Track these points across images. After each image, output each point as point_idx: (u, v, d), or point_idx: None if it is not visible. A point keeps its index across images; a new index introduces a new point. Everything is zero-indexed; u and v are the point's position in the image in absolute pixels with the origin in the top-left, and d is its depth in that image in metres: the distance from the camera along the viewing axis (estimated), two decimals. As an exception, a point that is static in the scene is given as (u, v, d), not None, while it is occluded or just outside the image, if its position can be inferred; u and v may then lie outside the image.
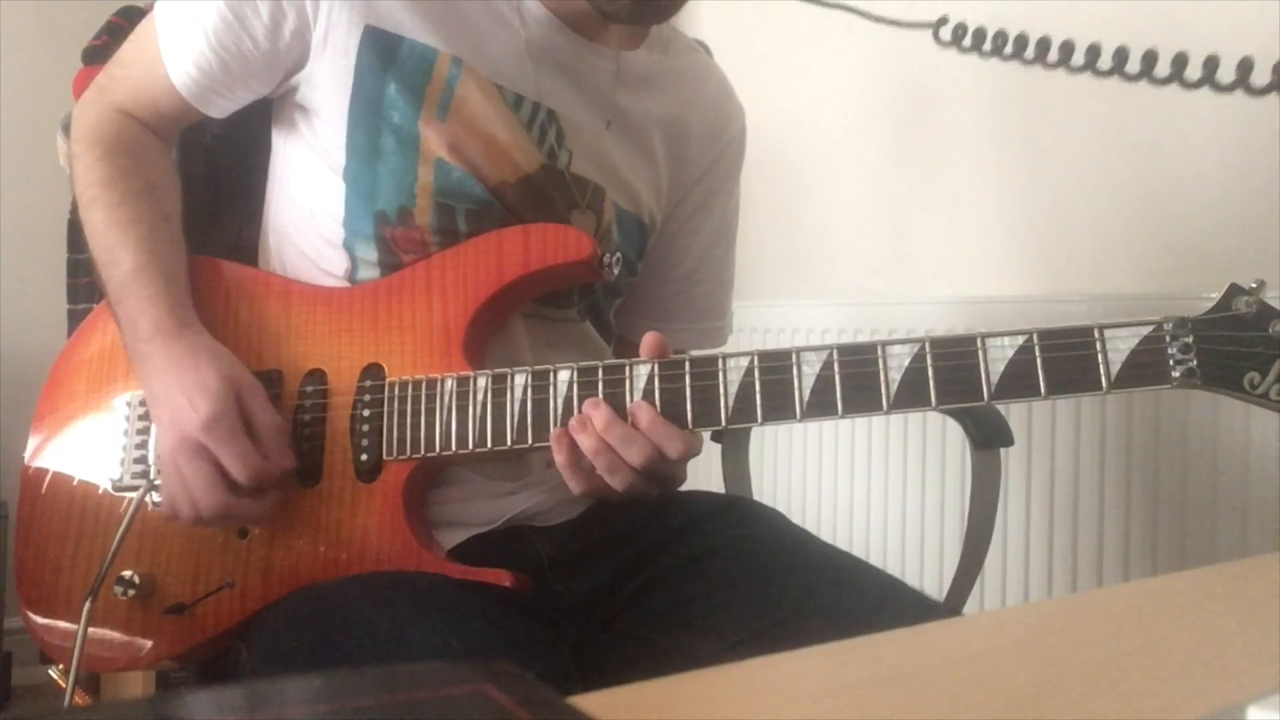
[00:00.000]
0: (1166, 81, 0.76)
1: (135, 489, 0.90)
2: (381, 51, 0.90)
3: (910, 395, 0.76)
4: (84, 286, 1.10)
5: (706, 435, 0.94)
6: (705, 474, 1.09)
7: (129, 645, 0.90)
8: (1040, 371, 0.74)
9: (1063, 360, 0.74)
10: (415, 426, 0.86)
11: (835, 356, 0.78)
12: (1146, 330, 0.74)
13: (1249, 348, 0.72)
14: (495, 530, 0.93)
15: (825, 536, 0.96)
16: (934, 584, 1.65)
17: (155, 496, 0.91)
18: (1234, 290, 0.74)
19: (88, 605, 0.86)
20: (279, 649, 0.83)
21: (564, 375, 0.83)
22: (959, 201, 1.80)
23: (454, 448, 0.85)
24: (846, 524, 1.85)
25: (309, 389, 0.90)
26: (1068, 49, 0.84)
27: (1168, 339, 0.73)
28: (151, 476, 0.91)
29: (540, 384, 0.84)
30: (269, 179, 1.03)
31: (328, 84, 0.92)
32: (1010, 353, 0.75)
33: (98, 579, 0.87)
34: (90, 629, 0.86)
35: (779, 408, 0.79)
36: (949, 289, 1.81)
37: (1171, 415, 1.41)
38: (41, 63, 2.33)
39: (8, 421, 2.06)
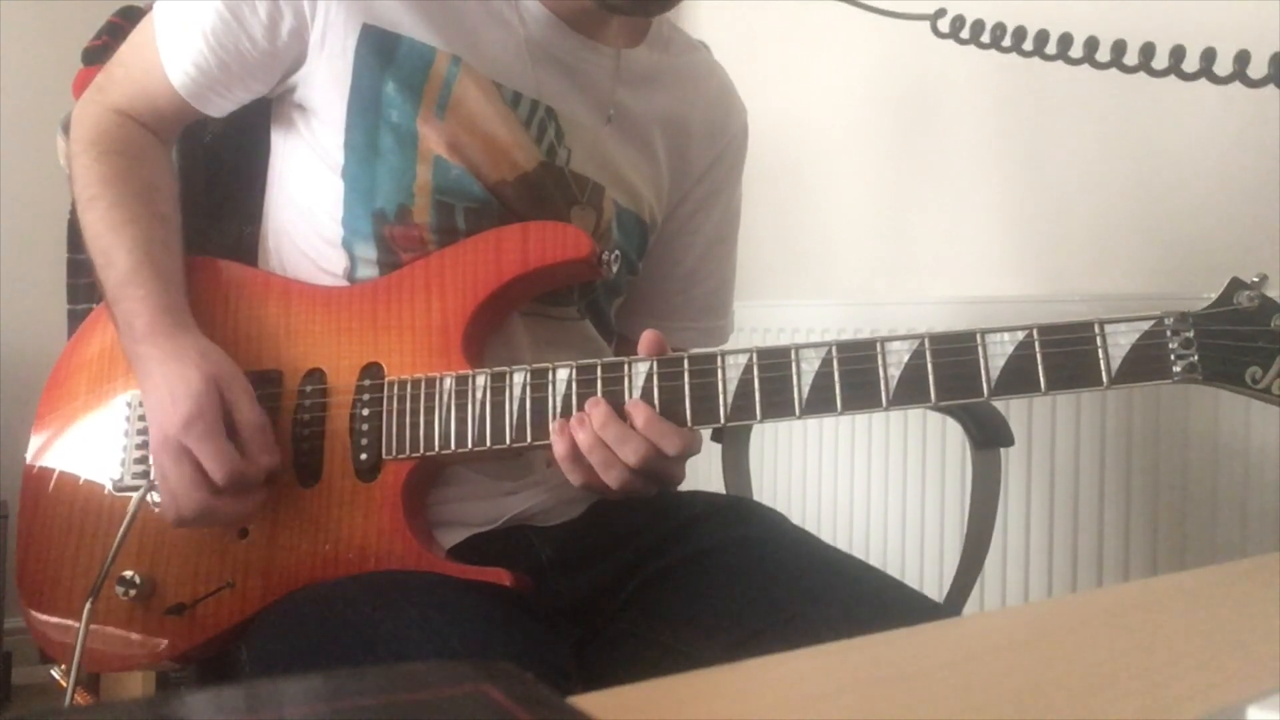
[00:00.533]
0: (1164, 73, 0.76)
1: (136, 489, 0.90)
2: (379, 50, 0.90)
3: (910, 391, 0.76)
4: (84, 287, 1.10)
5: (706, 435, 0.94)
6: (705, 474, 1.09)
7: (129, 645, 0.90)
8: (1040, 367, 0.74)
9: (1063, 356, 0.74)
10: (414, 425, 0.86)
11: (834, 353, 0.78)
12: (1147, 325, 0.74)
13: (1250, 342, 0.72)
14: (495, 530, 0.93)
15: (825, 536, 0.96)
16: (934, 584, 1.65)
17: (156, 497, 0.91)
18: (1235, 285, 0.74)
19: (88, 605, 0.86)
20: (279, 649, 0.83)
21: (563, 374, 0.83)
22: (959, 201, 1.80)
23: (453, 447, 0.85)
24: (846, 524, 1.85)
25: (308, 389, 0.90)
26: (1066, 41, 0.84)
27: (1168, 334, 0.73)
28: (152, 476, 0.91)
29: (539, 383, 0.84)
30: (268, 178, 1.03)
31: (326, 83, 0.92)
32: (1010, 348, 0.75)
33: (99, 579, 0.87)
34: (91, 629, 0.86)
35: (778, 405, 0.79)
36: (949, 289, 1.81)
37: (1172, 415, 1.41)
38: (41, 63, 2.33)
39: (8, 421, 2.06)
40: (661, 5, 0.93)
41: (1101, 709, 0.38)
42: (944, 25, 0.89)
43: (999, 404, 1.26)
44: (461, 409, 0.85)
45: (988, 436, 1.16)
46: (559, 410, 0.83)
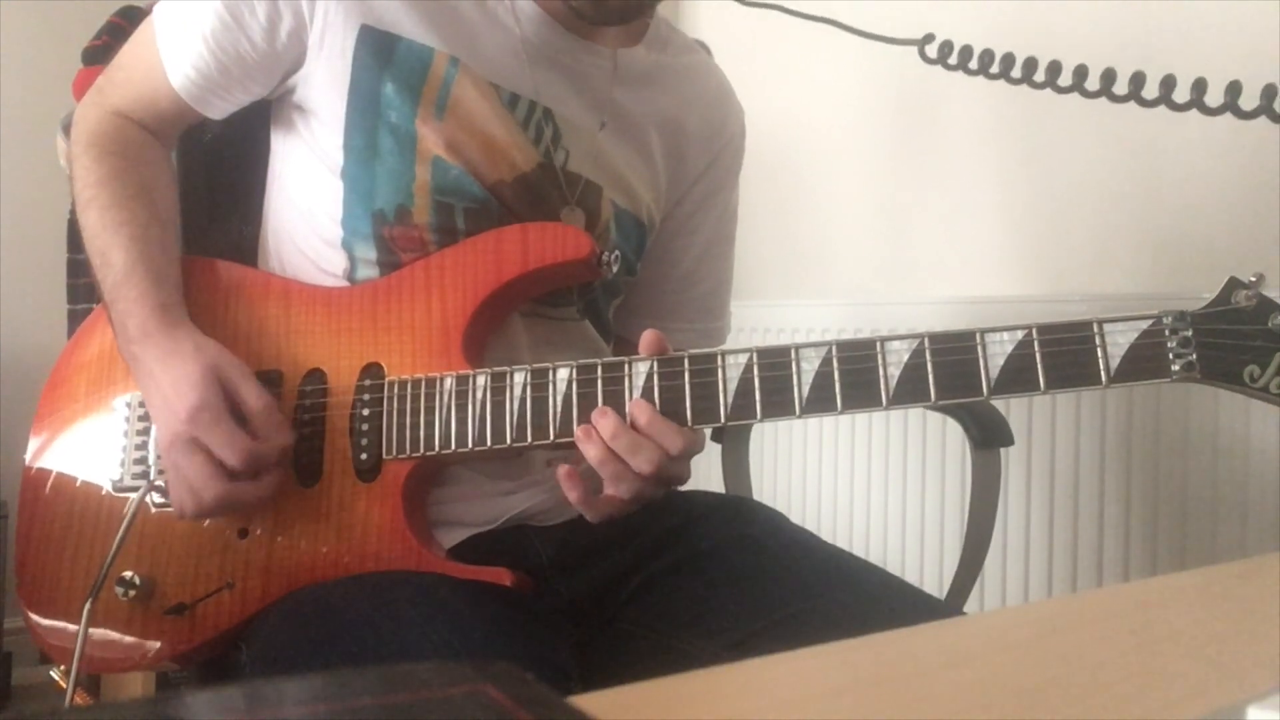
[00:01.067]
0: (1154, 104, 0.76)
1: (135, 489, 0.90)
2: (378, 51, 0.91)
3: (910, 391, 0.76)
4: (84, 287, 1.10)
5: (706, 434, 0.94)
6: (705, 474, 1.09)
7: (129, 646, 0.90)
8: (1039, 366, 0.74)
9: (1062, 355, 0.74)
10: (415, 425, 0.86)
11: (834, 352, 0.78)
12: (1146, 324, 0.74)
13: (1248, 341, 0.72)
14: (495, 529, 0.93)
15: (825, 536, 0.96)
16: (934, 584, 1.65)
17: (156, 497, 0.91)
18: (1233, 284, 0.74)
19: (88, 606, 0.86)
20: (279, 649, 0.83)
21: (563, 373, 0.83)
22: (959, 202, 1.80)
23: (453, 446, 0.85)
24: (846, 524, 1.85)
25: (308, 389, 0.90)
26: (1055, 69, 0.84)
27: (1167, 333, 0.73)
28: (152, 477, 0.91)
29: (539, 382, 0.84)
30: (268, 179, 1.03)
31: (325, 84, 0.92)
32: (1010, 348, 0.75)
33: (98, 580, 0.87)
34: (91, 629, 0.86)
35: (778, 404, 0.79)
36: (949, 289, 1.81)
37: (1172, 415, 1.41)
38: (41, 63, 2.33)
39: (8, 422, 2.06)
40: (623, 14, 0.93)
41: (1101, 709, 0.38)
42: (931, 51, 0.89)
43: (999, 404, 1.26)
44: (462, 409, 0.85)
45: (988, 436, 1.16)
46: (559, 410, 0.83)
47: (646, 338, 0.82)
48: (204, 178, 1.10)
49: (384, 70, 0.90)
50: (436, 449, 0.85)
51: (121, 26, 1.10)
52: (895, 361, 0.77)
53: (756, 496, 1.28)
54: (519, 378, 0.84)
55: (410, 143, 0.91)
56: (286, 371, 0.91)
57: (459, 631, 0.77)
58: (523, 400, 0.84)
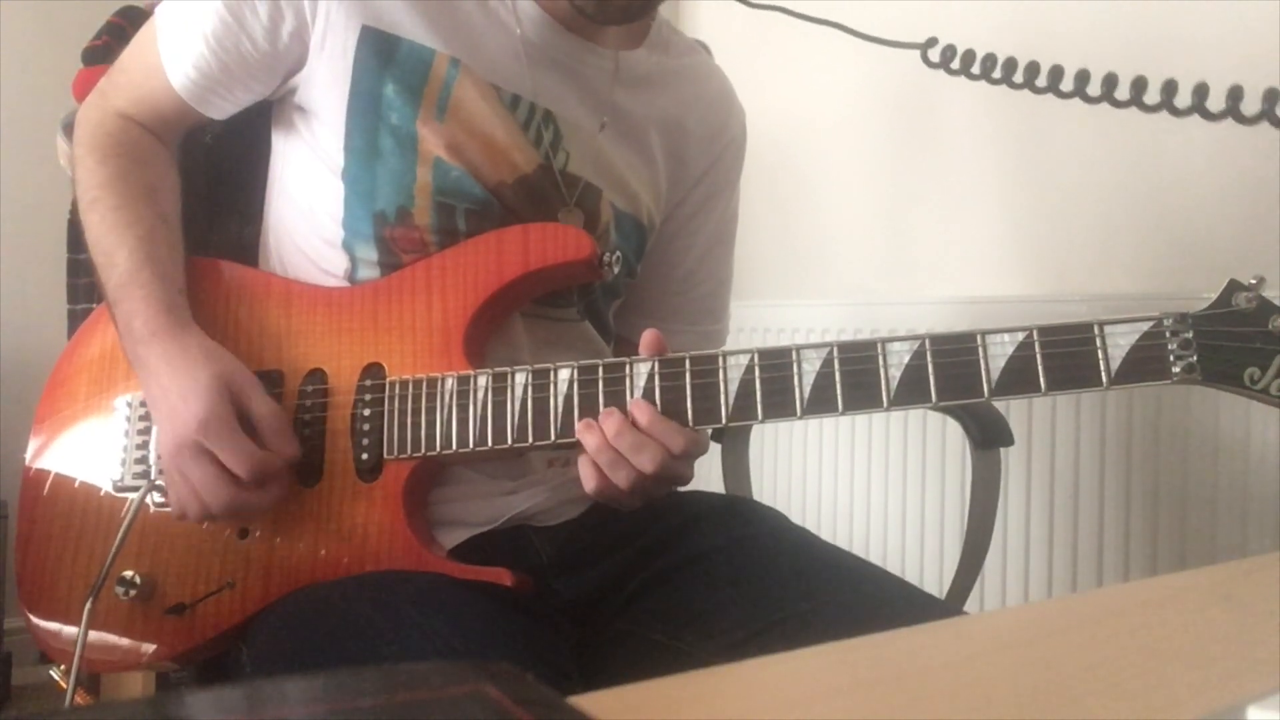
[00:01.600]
0: (1156, 109, 0.76)
1: (136, 489, 0.90)
2: (379, 52, 0.91)
3: (910, 392, 0.76)
4: (84, 287, 1.10)
5: (707, 432, 0.94)
6: (705, 474, 1.09)
7: (130, 646, 0.90)
8: (1040, 368, 0.74)
9: (1063, 356, 0.74)
10: (416, 426, 0.86)
11: (835, 354, 0.78)
12: (1146, 326, 0.74)
13: (1249, 343, 0.72)
14: (495, 530, 0.93)
15: (825, 536, 0.96)
16: (934, 584, 1.65)
17: (156, 497, 0.91)
18: (1234, 286, 0.74)
19: (88, 605, 0.86)
20: (279, 649, 0.83)
21: (564, 374, 0.83)
22: (959, 202, 1.80)
23: (454, 447, 0.85)
24: (846, 524, 1.85)
25: (309, 389, 0.90)
26: (1057, 74, 0.84)
27: (1168, 335, 0.73)
28: (152, 477, 0.91)
29: (540, 383, 0.84)
30: (269, 179, 1.03)
31: (326, 85, 0.92)
32: (1010, 349, 0.75)
33: (98, 579, 0.87)
34: (91, 629, 0.86)
35: (779, 405, 0.79)
36: (949, 289, 1.81)
37: (1172, 415, 1.41)
38: (41, 63, 2.33)
39: (8, 422, 2.06)
40: (627, 14, 0.93)
41: (1101, 709, 0.38)
42: (934, 55, 0.89)
43: (999, 404, 1.26)
44: (463, 409, 0.85)
45: (988, 436, 1.16)
46: (560, 410, 0.83)
47: (646, 338, 0.83)
48: (204, 178, 1.10)
49: (385, 71, 0.91)
50: (437, 449, 0.85)
51: (121, 27, 1.10)
52: (896, 363, 0.77)
53: (756, 496, 1.28)
54: (520, 378, 0.84)
55: (411, 144, 0.91)
56: (287, 371, 0.91)
57: (459, 631, 0.77)
58: (524, 401, 0.84)
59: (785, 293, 2.07)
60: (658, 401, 0.80)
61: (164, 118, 0.99)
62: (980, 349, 0.76)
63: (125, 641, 0.90)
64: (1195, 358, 0.73)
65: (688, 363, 0.81)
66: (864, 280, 1.97)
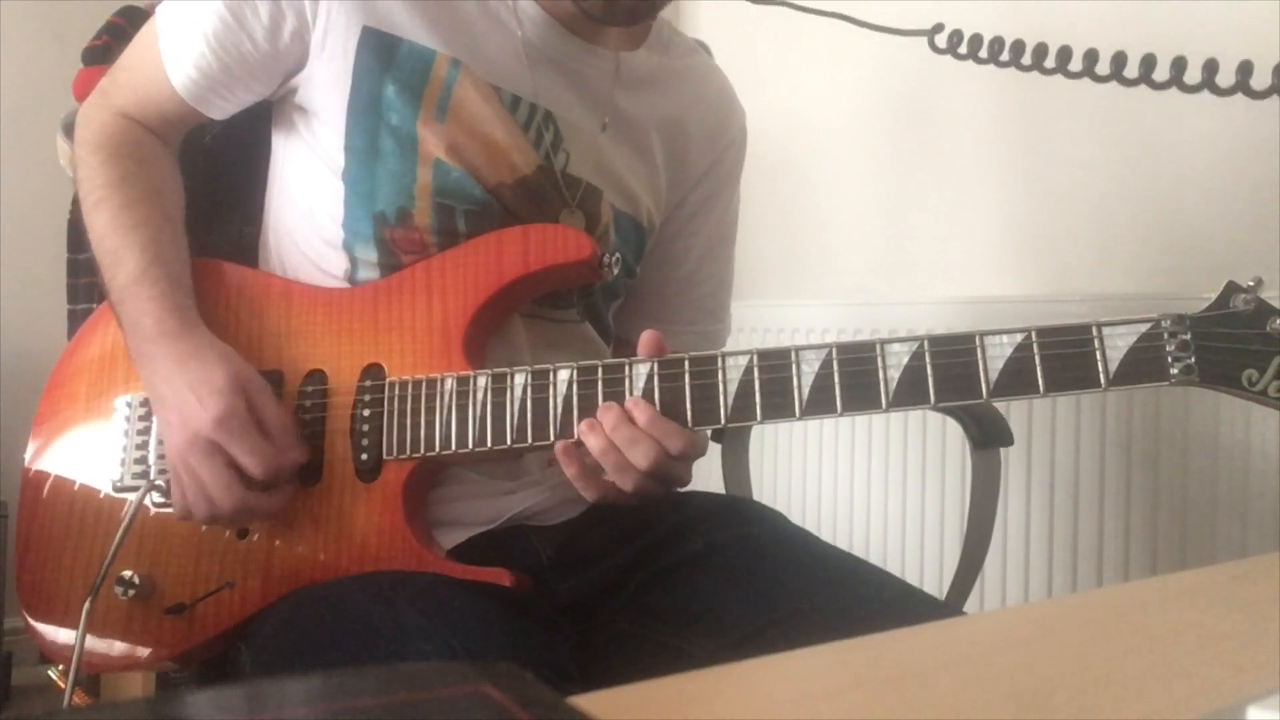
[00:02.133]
0: (1165, 85, 0.76)
1: (135, 489, 0.90)
2: (380, 52, 0.91)
3: (909, 393, 0.76)
4: (84, 287, 1.10)
5: (708, 434, 0.94)
6: (705, 474, 1.09)
7: (129, 645, 0.90)
8: (1039, 369, 0.75)
9: (1061, 358, 0.74)
10: (415, 426, 0.86)
11: (834, 355, 0.78)
12: (1145, 328, 0.74)
13: (1247, 345, 0.73)
14: (495, 530, 0.93)
15: (825, 536, 0.96)
16: (934, 584, 1.65)
17: (155, 497, 0.91)
18: (1232, 288, 0.74)
19: (88, 605, 0.86)
20: (279, 649, 0.83)
21: (563, 375, 0.83)
22: (959, 201, 1.80)
23: (454, 447, 0.85)
24: (846, 524, 1.85)
25: (309, 389, 0.90)
26: (1065, 54, 0.84)
27: (1166, 336, 0.73)
28: (152, 477, 0.91)
29: (540, 384, 0.84)
30: (269, 180, 1.03)
31: (326, 85, 0.92)
32: (1009, 350, 0.75)
33: (98, 579, 0.87)
34: (90, 630, 0.86)
35: (778, 406, 0.79)
36: (949, 289, 1.81)
37: (1172, 415, 1.41)
38: (41, 63, 2.33)
39: (8, 422, 2.06)
40: (632, 17, 0.93)
41: (1101, 709, 0.39)
42: (941, 41, 0.89)
43: (999, 404, 1.26)
44: (462, 410, 0.85)
45: (987, 436, 1.16)
46: (559, 411, 0.83)
47: (645, 339, 0.83)
48: (204, 178, 1.10)
49: (385, 72, 0.91)
50: (437, 450, 0.85)
51: (121, 27, 1.10)
52: (895, 364, 0.77)
53: (756, 496, 1.28)
54: (519, 379, 0.84)
55: (411, 145, 0.91)
56: (287, 372, 0.91)
57: (459, 631, 0.77)
58: (523, 401, 0.84)
59: (785, 293, 2.07)
60: (657, 403, 0.81)
61: (165, 118, 0.99)
62: (979, 350, 0.76)
63: (124, 642, 0.90)
64: (1193, 359, 0.73)
65: (687, 363, 0.81)
66: (864, 280, 1.97)
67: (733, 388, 0.80)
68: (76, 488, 0.95)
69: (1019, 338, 0.75)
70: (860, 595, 0.86)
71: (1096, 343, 0.74)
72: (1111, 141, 1.57)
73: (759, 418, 0.79)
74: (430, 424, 0.86)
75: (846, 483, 1.86)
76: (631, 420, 0.80)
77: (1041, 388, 0.74)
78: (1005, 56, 0.84)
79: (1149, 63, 0.81)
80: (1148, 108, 1.50)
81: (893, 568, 0.95)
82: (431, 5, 0.92)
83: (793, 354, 0.79)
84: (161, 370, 0.88)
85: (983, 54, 0.86)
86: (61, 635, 0.92)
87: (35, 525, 0.96)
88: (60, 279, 1.12)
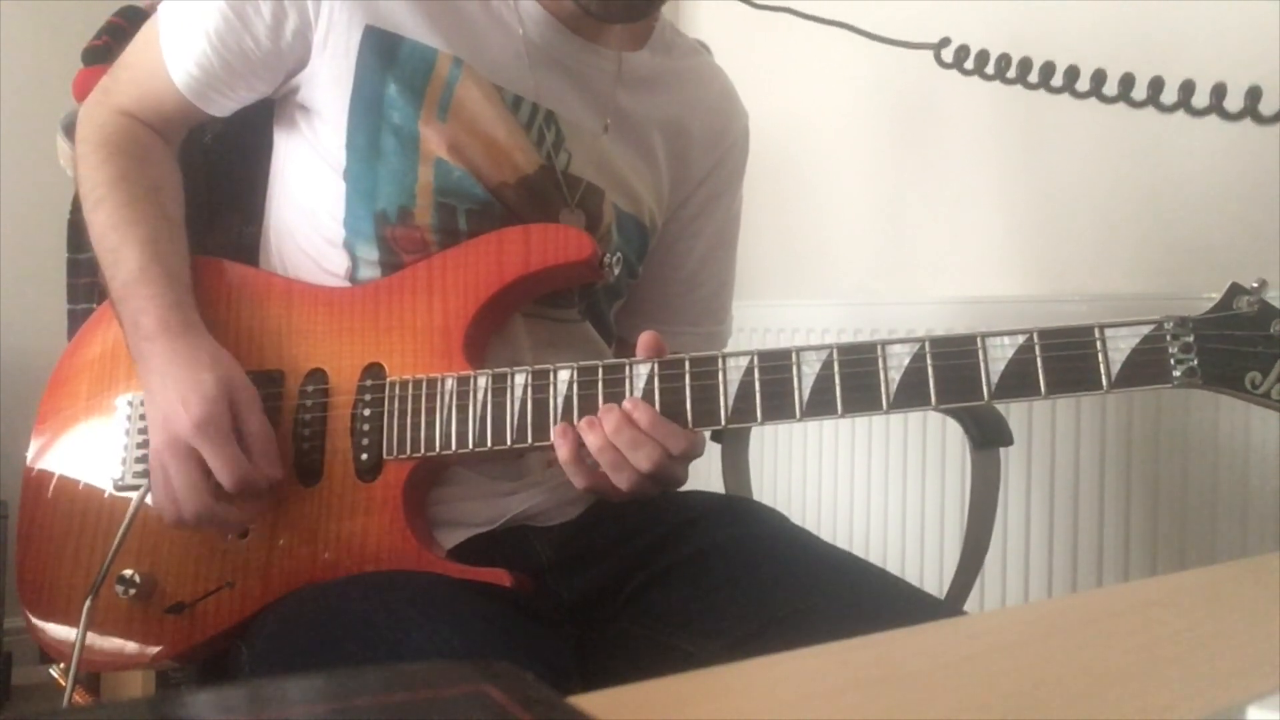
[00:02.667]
0: (1173, 109, 0.76)
1: (137, 488, 0.90)
2: (382, 51, 0.91)
3: (910, 395, 0.76)
4: (84, 286, 1.10)
5: (706, 435, 0.94)
6: (705, 474, 1.09)
7: (129, 645, 0.90)
8: (1040, 371, 0.74)
9: (1063, 360, 0.74)
10: (415, 426, 0.86)
11: (835, 356, 0.78)
12: (1147, 330, 0.74)
13: (1250, 347, 0.72)
14: (495, 530, 0.93)
15: (825, 536, 0.96)
16: (934, 584, 1.65)
17: (156, 496, 0.91)
18: (1235, 290, 0.74)
19: (88, 604, 0.86)
20: (279, 649, 0.83)
21: (564, 375, 0.83)
22: (959, 202, 1.80)
23: (454, 447, 0.85)
24: (846, 524, 1.85)
25: (310, 388, 0.90)
26: (1073, 74, 0.84)
27: (1168, 338, 0.73)
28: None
29: (540, 384, 0.84)
30: (270, 178, 1.03)
31: (328, 84, 0.92)
32: (1010, 352, 0.75)
33: (98, 578, 0.87)
34: (90, 628, 0.86)
35: (779, 407, 0.79)
36: (949, 289, 1.81)
37: (1172, 416, 1.41)
38: (41, 63, 2.33)
39: (8, 421, 2.06)
40: (630, 13, 0.93)
41: (1101, 709, 0.39)
42: (948, 55, 0.89)
43: (999, 405, 1.26)
44: (463, 410, 0.85)
45: (987, 436, 1.16)
46: (560, 412, 0.83)
47: (644, 339, 0.83)
48: (204, 176, 1.10)
49: (387, 71, 0.91)
50: (437, 449, 0.85)
51: (121, 26, 1.10)
52: (896, 365, 0.77)
53: (756, 496, 1.28)
54: (520, 379, 0.84)
55: (413, 144, 0.91)
56: (288, 371, 0.91)
57: (459, 631, 0.77)
58: (523, 401, 0.84)
59: (785, 293, 2.07)
60: (657, 403, 0.80)
61: (166, 115, 0.99)
62: (980, 352, 0.76)
63: (125, 640, 0.90)
64: (1196, 361, 0.73)
65: (687, 364, 0.81)
66: (864, 280, 1.97)
67: (733, 389, 0.80)
68: (78, 487, 0.95)
69: (1021, 339, 0.75)
70: (860, 595, 0.86)
71: (1099, 345, 0.74)
72: (1112, 141, 1.57)
73: (759, 419, 0.79)
74: (430, 424, 0.86)
75: (846, 483, 1.86)
76: (633, 423, 0.80)
77: (1043, 390, 0.74)
78: (1012, 74, 0.84)
79: (1157, 85, 0.81)
80: (1149, 109, 1.50)
81: (893, 568, 0.95)
82: (434, 4, 0.92)
83: (793, 355, 0.79)
84: (156, 368, 0.88)
85: (989, 70, 0.86)
86: (62, 633, 0.92)
87: (36, 524, 0.96)
88: (60, 279, 1.12)
